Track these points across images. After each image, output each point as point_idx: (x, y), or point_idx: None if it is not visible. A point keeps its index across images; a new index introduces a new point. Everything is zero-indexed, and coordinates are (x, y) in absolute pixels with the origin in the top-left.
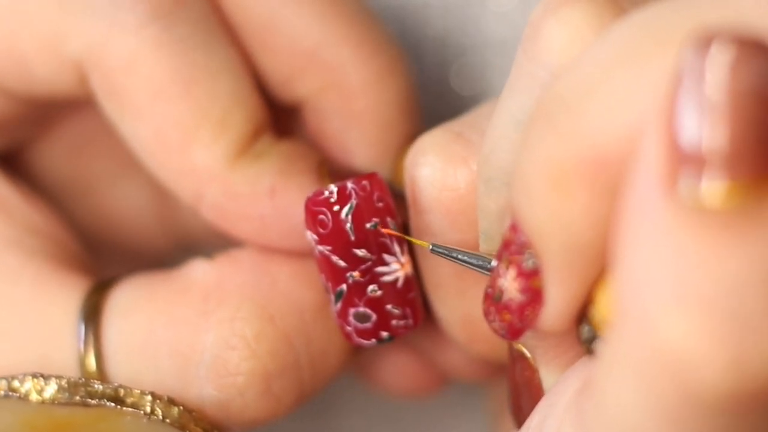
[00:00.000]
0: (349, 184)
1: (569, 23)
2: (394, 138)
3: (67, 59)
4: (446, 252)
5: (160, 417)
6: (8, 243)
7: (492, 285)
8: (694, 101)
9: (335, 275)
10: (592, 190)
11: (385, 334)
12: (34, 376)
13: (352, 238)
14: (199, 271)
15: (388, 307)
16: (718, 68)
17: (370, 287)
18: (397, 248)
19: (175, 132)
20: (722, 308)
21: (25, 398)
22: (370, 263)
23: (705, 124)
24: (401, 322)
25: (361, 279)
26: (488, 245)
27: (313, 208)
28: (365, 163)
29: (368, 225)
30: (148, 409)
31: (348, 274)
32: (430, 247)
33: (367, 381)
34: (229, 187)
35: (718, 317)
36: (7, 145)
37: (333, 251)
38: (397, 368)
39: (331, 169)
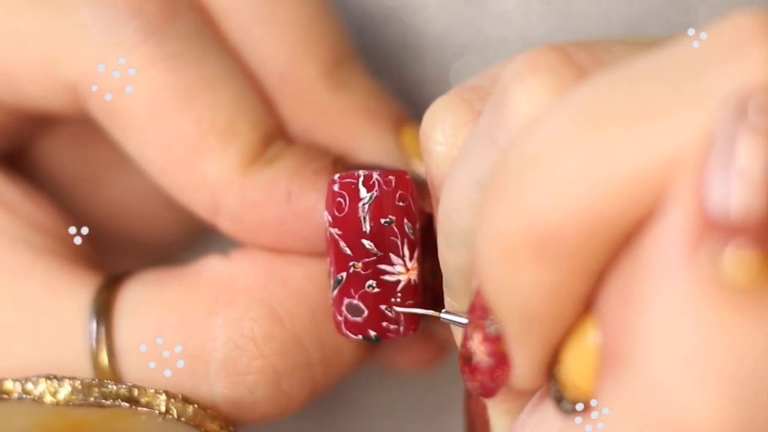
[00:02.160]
0: (375, 175)
1: (534, 95)
2: (381, 124)
3: (60, 82)
4: (456, 319)
5: (175, 416)
6: (16, 241)
7: (463, 346)
8: (725, 166)
9: (339, 261)
10: (541, 263)
11: (373, 333)
12: (48, 377)
13: (365, 228)
14: (210, 269)
15: (383, 307)
16: (752, 134)
17: (369, 282)
18: (406, 252)
19: (181, 146)
20: (741, 386)
21: (39, 400)
22: (375, 258)
23: (735, 190)
24: (392, 326)
25: (362, 272)
26: (449, 293)
27: (335, 190)
28: (369, 152)
29: (383, 221)
30: (163, 409)
31: (351, 263)
32: (441, 315)
33: (371, 356)
34: (245, 196)
35: (735, 395)
36: (7, 148)
37: (342, 236)
38: (401, 342)
39: (347, 166)
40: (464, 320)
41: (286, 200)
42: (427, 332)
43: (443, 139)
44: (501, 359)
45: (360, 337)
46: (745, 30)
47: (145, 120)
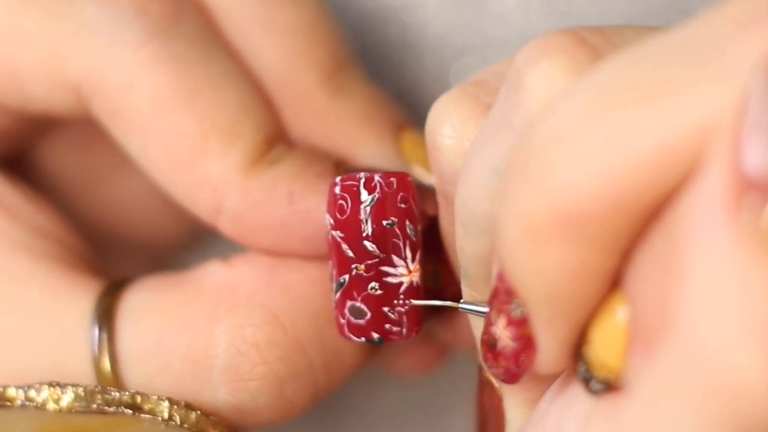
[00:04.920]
0: (377, 177)
1: (550, 77)
2: (380, 129)
3: (65, 81)
4: (475, 309)
5: (178, 422)
6: (16, 245)
7: (486, 332)
8: (761, 127)
9: (341, 264)
10: (566, 242)
11: (376, 335)
12: (51, 385)
13: (367, 230)
14: (212, 275)
15: (385, 309)
16: None
17: (372, 284)
18: (408, 254)
19: (184, 145)
20: None
21: (41, 407)
22: (377, 260)
23: None
24: (394, 329)
25: (365, 274)
26: (467, 283)
27: (336, 192)
28: (369, 158)
29: (385, 222)
30: (166, 415)
31: (353, 266)
32: (460, 306)
33: (373, 360)
34: (247, 196)
35: None
36: (9, 151)
37: (344, 239)
38: (401, 346)
39: (348, 169)
40: (483, 309)
41: (288, 201)
42: (429, 335)
43: (452, 133)
44: (526, 343)
45: (363, 339)
46: (762, 5)
47: (148, 119)
